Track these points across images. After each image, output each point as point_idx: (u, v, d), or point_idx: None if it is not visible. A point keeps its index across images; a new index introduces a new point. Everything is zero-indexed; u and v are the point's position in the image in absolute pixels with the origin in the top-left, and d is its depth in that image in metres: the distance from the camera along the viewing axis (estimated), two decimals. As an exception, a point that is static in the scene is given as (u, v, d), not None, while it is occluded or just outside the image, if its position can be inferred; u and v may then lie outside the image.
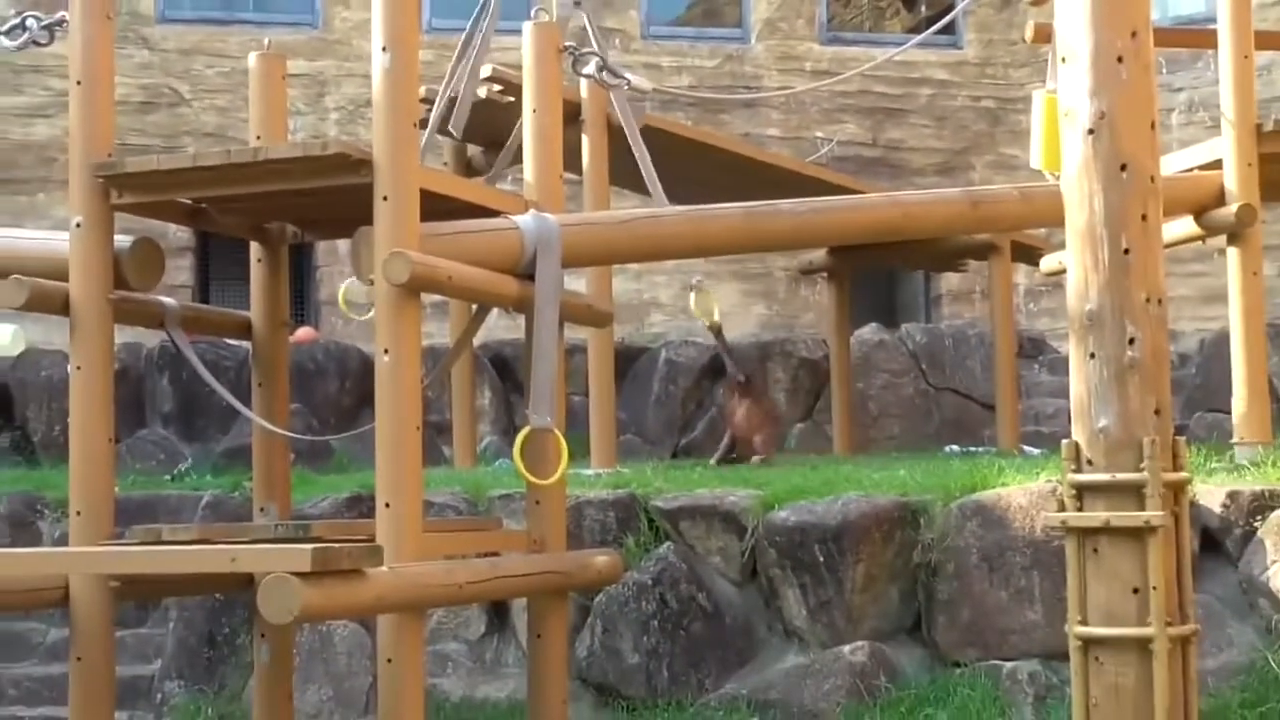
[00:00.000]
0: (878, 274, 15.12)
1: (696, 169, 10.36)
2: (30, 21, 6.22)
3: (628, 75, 7.35)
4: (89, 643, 5.63)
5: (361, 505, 8.19)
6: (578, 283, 8.32)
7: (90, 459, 5.78)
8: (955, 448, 11.38)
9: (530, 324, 5.91)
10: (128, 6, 14.32)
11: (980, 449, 10.99)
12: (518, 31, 6.87)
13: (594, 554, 6.53)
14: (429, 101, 7.18)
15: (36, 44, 6.29)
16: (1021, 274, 13.74)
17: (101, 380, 5.81)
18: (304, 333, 13.17)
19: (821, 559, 7.20)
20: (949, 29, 15.03)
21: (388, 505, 5.26)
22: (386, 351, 5.31)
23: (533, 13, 6.93)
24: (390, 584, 4.92)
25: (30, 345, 12.70)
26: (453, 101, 6.92)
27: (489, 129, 9.18)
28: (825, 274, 12.10)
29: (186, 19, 14.87)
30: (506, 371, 12.30)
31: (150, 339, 11.31)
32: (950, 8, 14.00)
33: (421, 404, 5.43)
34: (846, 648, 7.12)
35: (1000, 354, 11.11)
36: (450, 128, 6.95)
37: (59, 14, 6.10)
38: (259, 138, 6.53)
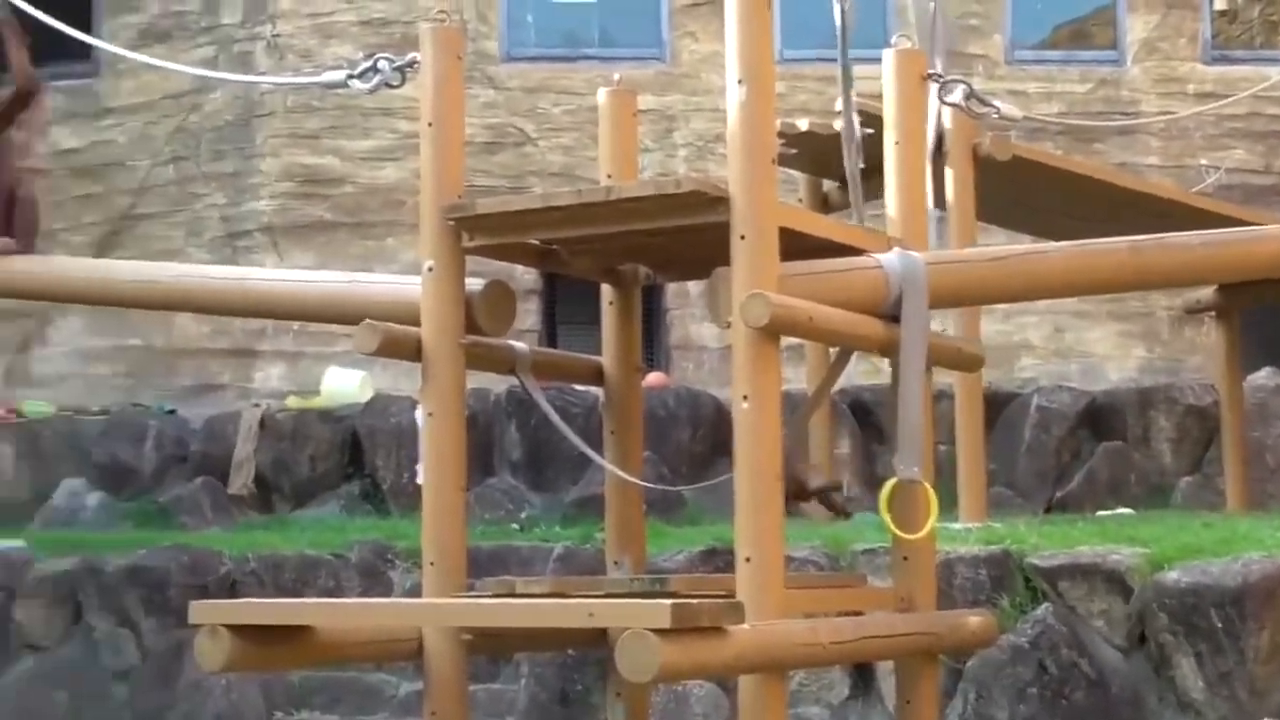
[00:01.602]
0: (1272, 312, 14.56)
1: (1068, 202, 10.17)
2: (382, 63, 6.43)
3: (996, 103, 7.26)
4: (443, 697, 5.74)
5: (717, 559, 8.21)
6: (943, 324, 8.22)
7: (442, 508, 5.91)
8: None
9: (896, 368, 5.84)
10: (473, 46, 14.73)
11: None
12: (877, 60, 6.82)
13: (966, 614, 6.41)
14: (784, 135, 7.19)
15: (389, 86, 6.49)
16: None
17: (453, 427, 5.94)
18: (655, 378, 13.31)
19: (1220, 625, 6.94)
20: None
21: (748, 559, 5.25)
22: (745, 398, 5.29)
23: (893, 39, 6.87)
24: (751, 642, 4.90)
25: (378, 392, 13.13)
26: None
27: (842, 161, 9.14)
28: (1213, 313, 11.73)
29: (531, 57, 15.23)
30: (866, 418, 12.23)
31: (498, 385, 11.58)
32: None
33: (781, 453, 5.41)
34: (1250, 724, 6.87)
35: None
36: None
37: (410, 55, 6.30)
38: (609, 176, 6.60)
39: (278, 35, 15.02)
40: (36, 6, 8.39)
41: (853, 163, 6.51)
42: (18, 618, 9.83)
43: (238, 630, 5.25)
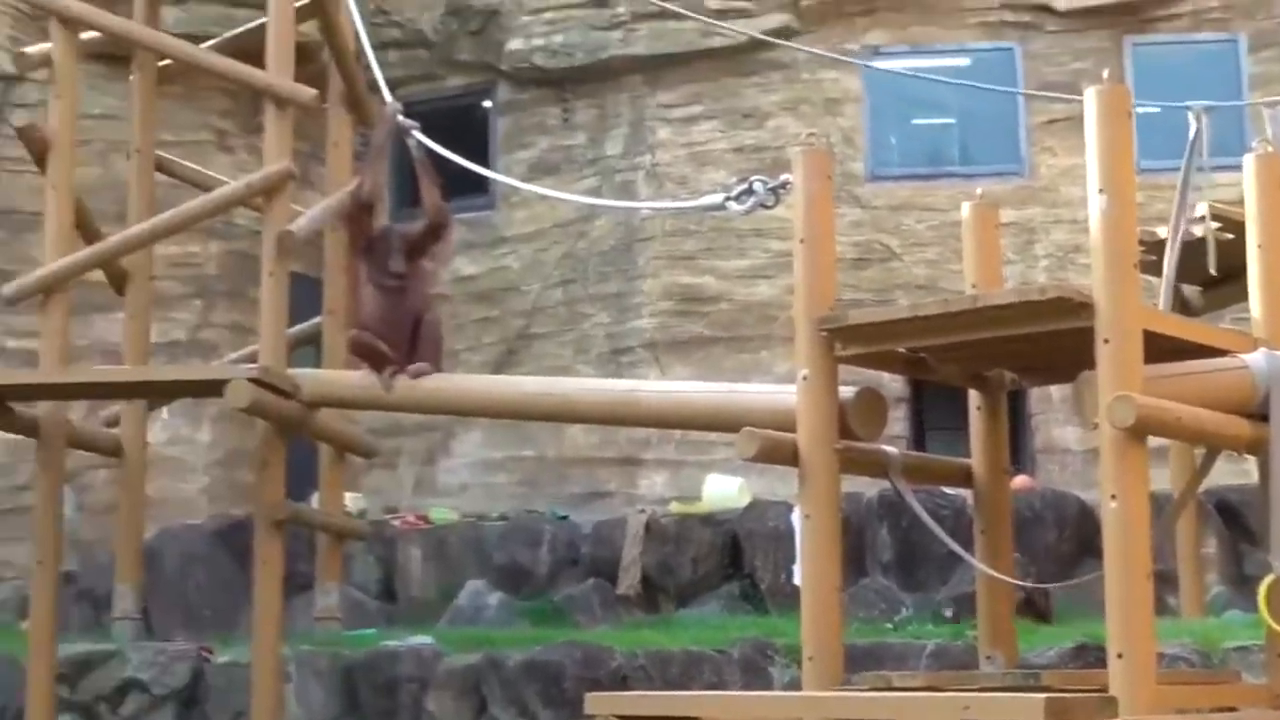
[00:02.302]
0: None
1: None
2: (757, 185, 6.56)
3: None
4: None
5: (1087, 655, 8.01)
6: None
7: (820, 606, 5.92)
8: None
9: (1264, 466, 5.66)
10: (840, 168, 14.82)
11: None
12: (1237, 167, 6.64)
13: (1343, 712, 6.11)
14: (1144, 243, 7.04)
15: (763, 207, 6.61)
16: None
17: (830, 529, 5.96)
18: (1021, 480, 13.08)
19: None
20: None
21: (1120, 655, 5.11)
22: (1113, 497, 5.19)
23: (1253, 144, 6.68)
24: (1125, 737, 4.77)
25: (756, 497, 13.20)
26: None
27: (1204, 267, 8.92)
28: None
29: (895, 176, 15.25)
30: (1233, 519, 11.78)
31: (869, 489, 11.54)
32: None
33: (1150, 551, 5.27)
34: None
35: None
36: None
37: (783, 176, 6.39)
38: (974, 285, 6.58)
39: (657, 164, 15.37)
40: (443, 146, 8.80)
41: (1171, 265, 6.38)
42: (429, 707, 10.11)
43: (630, 720, 5.33)
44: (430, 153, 8.79)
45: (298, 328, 10.18)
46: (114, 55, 12.60)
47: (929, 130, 15.56)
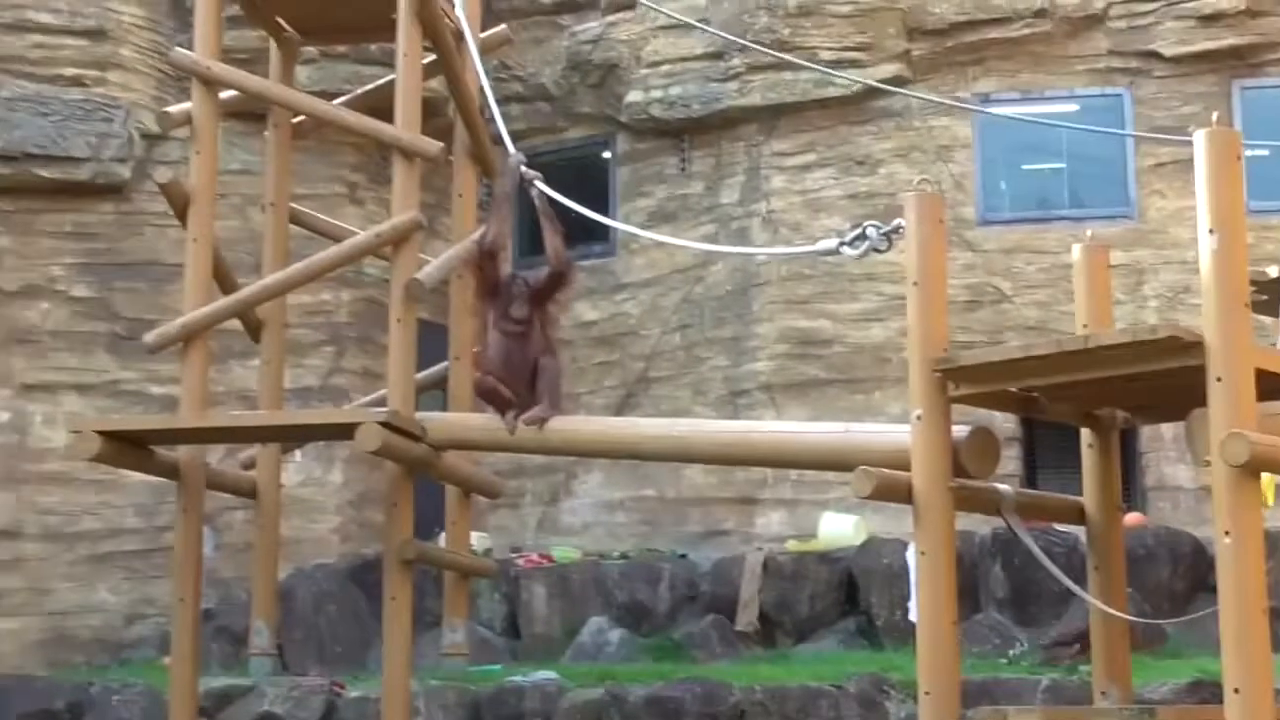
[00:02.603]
0: None
1: None
2: (870, 230, 6.55)
3: None
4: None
5: (1202, 691, 7.91)
6: None
7: (936, 641, 5.89)
8: None
9: (1379, 502, 5.56)
10: (951, 212, 14.73)
11: None
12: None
13: None
14: (1255, 283, 6.97)
15: (876, 251, 6.59)
16: None
17: (945, 565, 5.93)
18: (1133, 518, 12.92)
19: None
20: None
21: (1236, 691, 5.05)
22: (1226, 533, 5.13)
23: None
24: (1242, 772, 4.70)
25: (871, 535, 13.14)
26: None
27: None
28: None
29: (1005, 220, 15.15)
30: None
31: (981, 527, 11.45)
32: None
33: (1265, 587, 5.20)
34: None
35: None
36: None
37: (896, 221, 6.38)
38: (1085, 326, 6.53)
39: (772, 211, 15.38)
40: (565, 195, 8.86)
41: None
42: (552, 741, 10.17)
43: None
44: (552, 202, 8.85)
45: (425, 372, 10.26)
46: (250, 113, 12.84)
47: (1039, 175, 15.45)
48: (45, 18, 15.19)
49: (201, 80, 10.03)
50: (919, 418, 6.00)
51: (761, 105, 15.46)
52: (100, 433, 9.27)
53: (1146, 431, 13.79)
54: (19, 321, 14.92)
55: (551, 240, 8.73)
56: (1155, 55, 14.92)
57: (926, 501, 5.93)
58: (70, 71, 15.21)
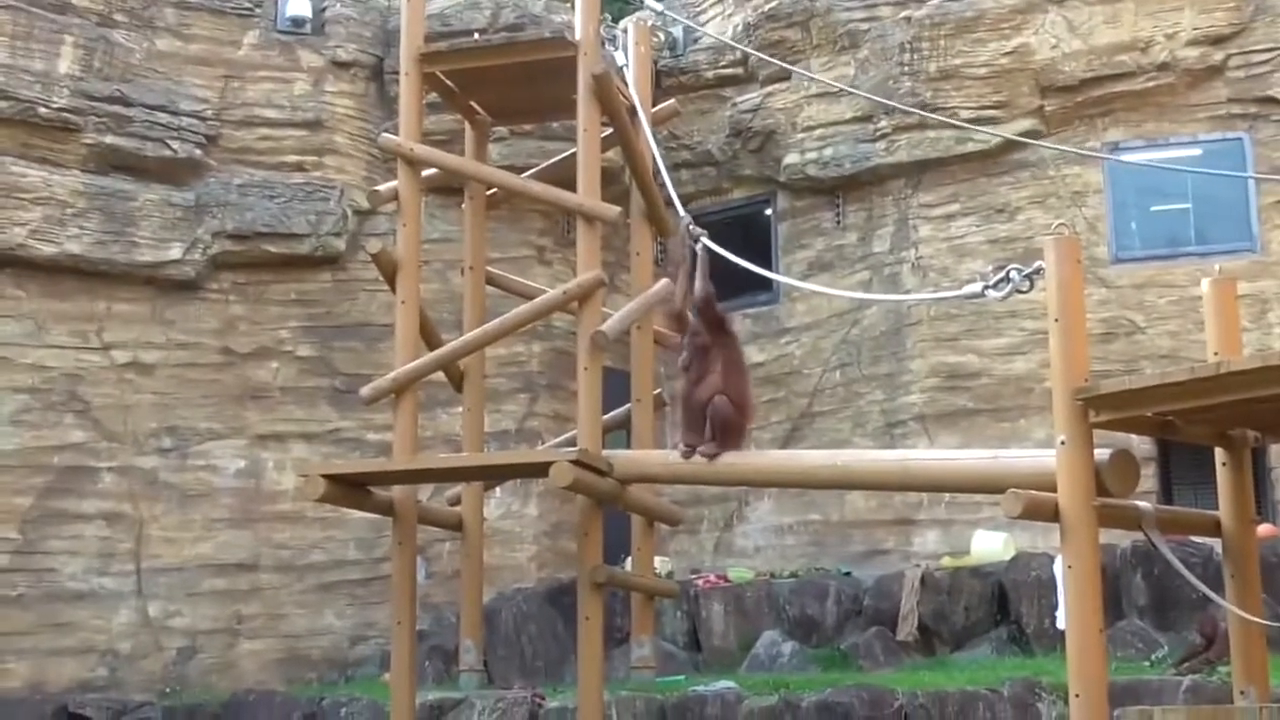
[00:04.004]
0: None
1: None
2: (1013, 273, 6.48)
3: None
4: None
5: (1339, 691, 7.63)
6: None
7: (1085, 646, 5.80)
8: None
9: None
10: (1086, 252, 14.50)
11: None
12: None
13: None
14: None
15: (1019, 292, 6.52)
16: None
17: (1091, 577, 5.84)
18: (1266, 529, 12.57)
19: None
20: None
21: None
22: (1357, 542, 4.98)
23: None
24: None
25: (1019, 551, 12.96)
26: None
27: None
28: None
29: (1137, 257, 14.88)
30: None
31: (1122, 540, 11.23)
32: None
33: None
34: None
35: None
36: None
37: (1036, 263, 6.31)
38: (1216, 353, 6.40)
39: (920, 258, 15.28)
40: (731, 251, 8.86)
41: None
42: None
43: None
44: (713, 255, 8.77)
45: (610, 414, 10.33)
46: (449, 188, 13.06)
47: (1167, 215, 15.14)
48: (270, 113, 15.64)
49: (406, 161, 10.25)
50: (1063, 442, 5.93)
51: (908, 161, 15.40)
52: (325, 476, 9.47)
53: (1276, 449, 13.43)
54: (252, 379, 15.33)
55: (701, 284, 8.56)
56: (1272, 100, 14.58)
57: (1072, 519, 5.85)
58: (292, 159, 15.64)
